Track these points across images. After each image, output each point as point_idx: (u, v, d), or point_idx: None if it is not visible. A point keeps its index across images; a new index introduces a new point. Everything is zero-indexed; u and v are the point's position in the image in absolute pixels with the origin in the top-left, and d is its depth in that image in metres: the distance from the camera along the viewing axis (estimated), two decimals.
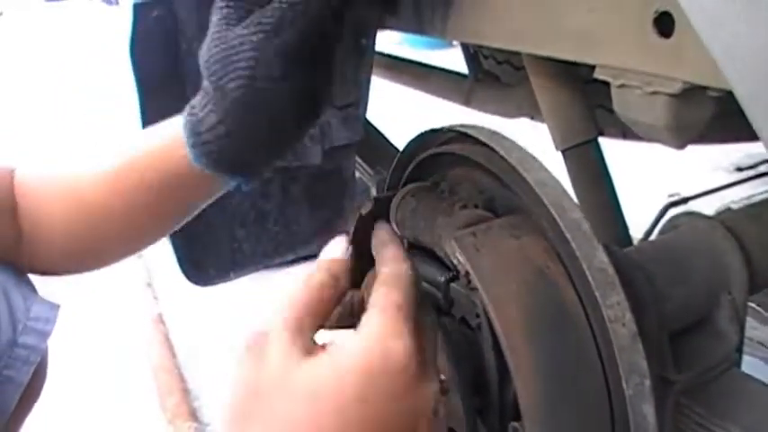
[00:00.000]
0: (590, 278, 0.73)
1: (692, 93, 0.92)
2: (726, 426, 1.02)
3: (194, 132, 0.93)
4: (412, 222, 0.91)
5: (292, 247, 1.79)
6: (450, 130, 0.91)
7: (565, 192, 0.78)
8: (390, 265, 0.79)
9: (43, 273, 1.07)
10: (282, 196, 1.72)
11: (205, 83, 0.91)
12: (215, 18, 0.88)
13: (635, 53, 0.93)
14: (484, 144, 0.84)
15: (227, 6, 0.87)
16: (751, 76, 0.53)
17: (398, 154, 1.02)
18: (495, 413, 0.82)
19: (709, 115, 0.97)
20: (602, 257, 0.74)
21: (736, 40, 0.53)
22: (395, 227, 0.95)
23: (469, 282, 0.77)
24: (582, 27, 1.00)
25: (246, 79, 0.86)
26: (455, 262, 0.78)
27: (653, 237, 1.21)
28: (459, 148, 0.90)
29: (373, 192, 1.92)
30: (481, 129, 0.88)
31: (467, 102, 1.95)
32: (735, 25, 0.52)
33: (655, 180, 3.69)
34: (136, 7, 1.36)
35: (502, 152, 0.81)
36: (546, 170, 0.80)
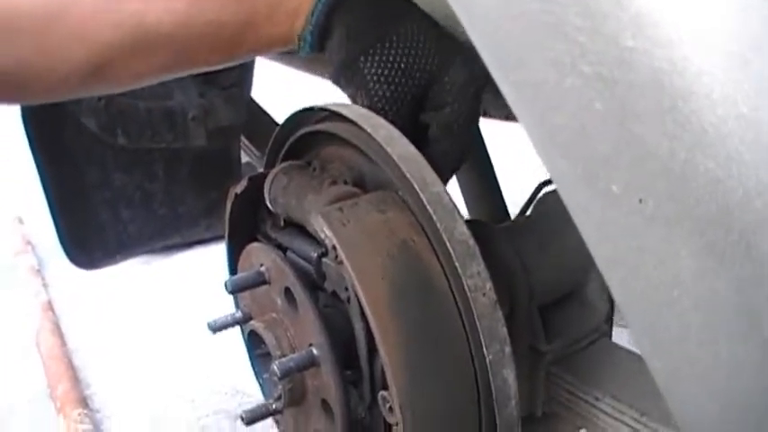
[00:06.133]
0: (451, 249, 0.76)
1: None
2: (593, 392, 1.07)
3: None
4: (284, 200, 0.92)
5: (178, 228, 1.77)
6: (322, 108, 0.92)
7: (427, 166, 0.80)
8: None
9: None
10: (168, 177, 1.71)
11: None
12: None
13: None
14: (353, 122, 0.86)
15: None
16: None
17: (276, 132, 1.03)
18: (366, 384, 0.84)
19: None
20: (462, 229, 0.77)
21: None
22: (269, 204, 0.96)
23: (337, 256, 0.78)
24: None
25: None
26: (322, 236, 0.80)
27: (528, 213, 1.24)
28: (331, 126, 0.91)
29: None
30: (351, 107, 0.89)
31: None
32: None
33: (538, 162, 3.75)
34: None
35: (369, 130, 0.83)
36: (410, 146, 0.82)
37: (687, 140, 0.42)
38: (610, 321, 1.14)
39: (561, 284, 1.11)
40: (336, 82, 0.98)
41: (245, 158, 1.97)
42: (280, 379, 0.85)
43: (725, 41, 0.41)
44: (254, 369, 1.03)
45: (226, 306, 1.09)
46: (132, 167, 1.65)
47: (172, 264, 3.09)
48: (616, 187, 0.46)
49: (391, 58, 0.93)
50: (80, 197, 1.63)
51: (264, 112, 2.00)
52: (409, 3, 0.98)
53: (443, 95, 0.94)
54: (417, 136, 0.89)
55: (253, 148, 1.95)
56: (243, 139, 1.87)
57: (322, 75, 1.72)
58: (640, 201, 0.46)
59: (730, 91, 0.41)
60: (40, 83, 0.94)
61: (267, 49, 1.01)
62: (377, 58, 0.93)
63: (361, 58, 0.93)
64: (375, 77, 0.93)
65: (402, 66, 0.93)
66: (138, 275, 2.99)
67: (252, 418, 0.93)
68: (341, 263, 0.78)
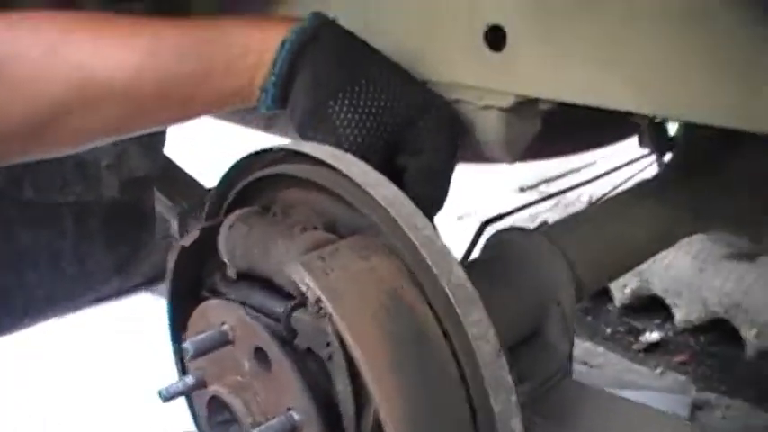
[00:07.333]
0: (450, 295, 0.70)
1: (523, 106, 0.93)
2: None
3: None
4: (245, 250, 0.85)
5: (91, 286, 1.66)
6: (281, 149, 0.85)
7: (415, 209, 0.75)
8: None
9: None
10: (77, 233, 1.60)
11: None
12: None
13: (466, 68, 0.93)
14: (322, 162, 0.79)
15: None
16: None
17: (221, 179, 0.96)
18: None
19: (538, 129, 0.98)
20: (459, 273, 0.72)
21: None
22: (224, 257, 0.88)
23: (320, 309, 0.72)
24: (412, 42, 0.99)
25: None
26: (303, 288, 0.73)
27: (474, 256, 1.21)
28: (293, 168, 0.85)
29: (174, 225, 1.81)
30: (317, 147, 0.84)
31: (267, 127, 1.89)
32: None
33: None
34: None
35: (344, 170, 0.77)
36: (392, 186, 0.77)
37: None
38: (570, 359, 1.12)
39: (523, 325, 1.08)
40: (302, 132, 0.93)
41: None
42: None
43: None
44: None
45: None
46: (39, 224, 1.54)
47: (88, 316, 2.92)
48: None
49: (362, 102, 0.88)
50: None
51: (170, 161, 1.92)
52: (374, 48, 0.94)
53: (419, 140, 0.90)
54: (393, 179, 0.85)
55: (163, 198, 1.86)
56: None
57: (282, 133, 1.68)
58: None
59: None
60: None
61: (224, 103, 0.97)
62: (346, 101, 0.88)
63: (330, 103, 0.88)
64: (345, 123, 0.88)
65: (373, 110, 0.88)
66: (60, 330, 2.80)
67: None
68: (324, 315, 0.72)
